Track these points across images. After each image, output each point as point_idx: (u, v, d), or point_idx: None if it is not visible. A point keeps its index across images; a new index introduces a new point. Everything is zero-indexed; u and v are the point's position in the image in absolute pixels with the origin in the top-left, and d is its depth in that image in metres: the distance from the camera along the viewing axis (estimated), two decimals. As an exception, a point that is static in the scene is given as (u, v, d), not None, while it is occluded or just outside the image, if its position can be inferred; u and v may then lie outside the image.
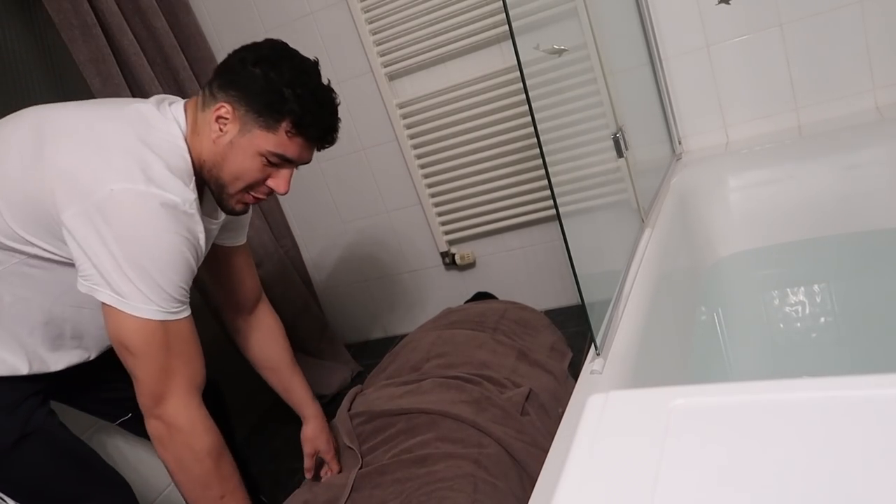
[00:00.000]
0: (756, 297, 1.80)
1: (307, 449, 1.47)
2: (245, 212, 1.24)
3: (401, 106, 2.24)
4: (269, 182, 1.16)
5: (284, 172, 1.16)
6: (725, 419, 0.64)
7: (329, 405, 2.27)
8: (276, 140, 1.11)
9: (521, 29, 1.06)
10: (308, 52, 1.16)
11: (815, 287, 1.73)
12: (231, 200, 1.17)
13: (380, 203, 2.43)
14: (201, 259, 1.13)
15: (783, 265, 1.82)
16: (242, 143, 1.11)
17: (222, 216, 1.24)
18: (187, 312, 1.09)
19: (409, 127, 2.25)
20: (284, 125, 1.10)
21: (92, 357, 1.26)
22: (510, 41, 1.01)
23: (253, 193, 1.17)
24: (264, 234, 2.32)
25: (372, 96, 2.25)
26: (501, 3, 1.01)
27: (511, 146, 2.15)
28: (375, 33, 2.17)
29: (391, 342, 2.50)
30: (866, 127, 1.75)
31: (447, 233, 2.36)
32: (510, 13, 1.00)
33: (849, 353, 1.55)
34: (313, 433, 1.47)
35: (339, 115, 1.18)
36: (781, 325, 1.68)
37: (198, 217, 1.08)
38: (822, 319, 1.65)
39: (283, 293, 2.36)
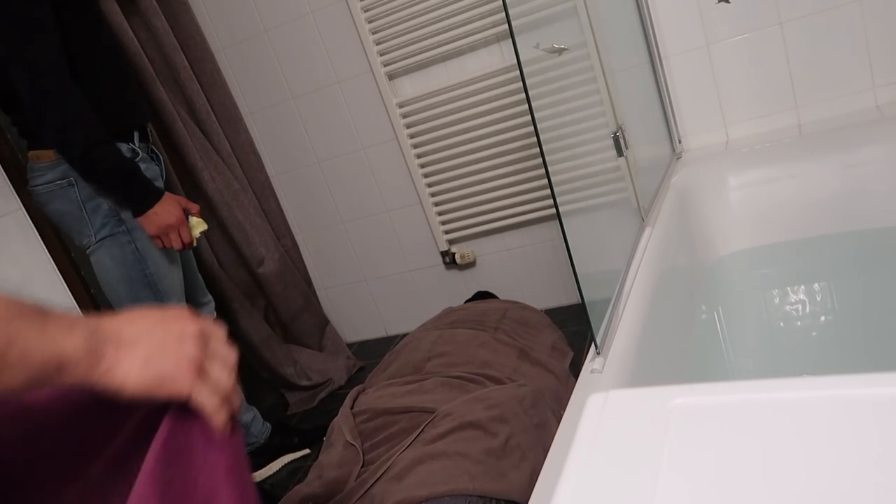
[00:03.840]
0: (756, 296, 1.80)
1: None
2: None
3: (401, 105, 2.24)
4: None
5: None
6: (725, 418, 0.64)
7: (330, 404, 2.27)
8: None
9: (520, 28, 1.06)
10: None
11: (816, 286, 1.73)
12: None
13: (380, 202, 2.43)
14: None
15: (783, 264, 1.82)
16: None
17: None
18: None
19: (408, 126, 2.25)
20: None
21: None
22: (510, 40, 1.01)
23: None
24: (265, 232, 2.32)
25: (372, 96, 2.25)
26: (501, 2, 1.01)
27: (511, 145, 2.15)
28: (375, 32, 2.16)
29: (391, 342, 2.50)
30: (866, 125, 1.75)
31: (447, 232, 2.36)
32: (510, 12, 1.00)
33: (849, 351, 1.55)
34: None
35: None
36: (781, 324, 1.68)
37: None
38: (822, 318, 1.65)
39: (283, 291, 2.37)
